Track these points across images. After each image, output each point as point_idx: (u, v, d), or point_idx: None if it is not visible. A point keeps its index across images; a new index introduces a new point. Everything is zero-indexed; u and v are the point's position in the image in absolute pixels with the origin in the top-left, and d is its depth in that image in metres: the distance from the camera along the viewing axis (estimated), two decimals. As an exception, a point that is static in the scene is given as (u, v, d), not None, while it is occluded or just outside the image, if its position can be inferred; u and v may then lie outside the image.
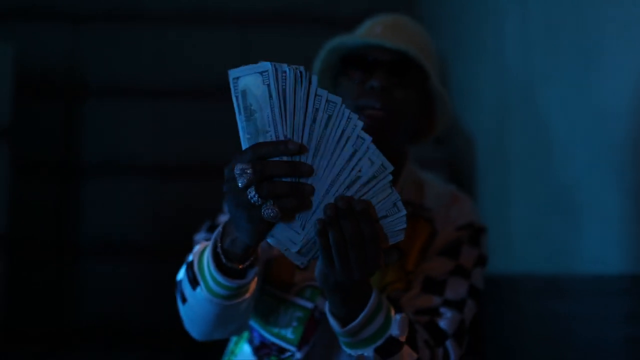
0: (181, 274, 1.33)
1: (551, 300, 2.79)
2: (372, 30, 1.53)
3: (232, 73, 1.08)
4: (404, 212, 1.04)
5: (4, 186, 4.32)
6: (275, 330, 1.37)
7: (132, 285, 5.63)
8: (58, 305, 5.50)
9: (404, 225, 1.05)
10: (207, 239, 1.39)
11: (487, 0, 3.71)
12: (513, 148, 3.25)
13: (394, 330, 1.14)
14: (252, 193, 1.02)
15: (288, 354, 1.34)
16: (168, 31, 6.00)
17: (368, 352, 1.13)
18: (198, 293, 1.22)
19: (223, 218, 1.55)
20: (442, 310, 1.31)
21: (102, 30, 5.94)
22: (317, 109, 1.05)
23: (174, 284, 1.40)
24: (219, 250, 1.16)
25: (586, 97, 2.50)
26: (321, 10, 6.10)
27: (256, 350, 1.42)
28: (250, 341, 1.45)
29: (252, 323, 1.44)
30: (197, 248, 1.28)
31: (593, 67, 2.45)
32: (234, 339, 1.56)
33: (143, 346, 4.99)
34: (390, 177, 1.03)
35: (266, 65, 1.05)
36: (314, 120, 1.04)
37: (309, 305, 1.36)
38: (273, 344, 1.37)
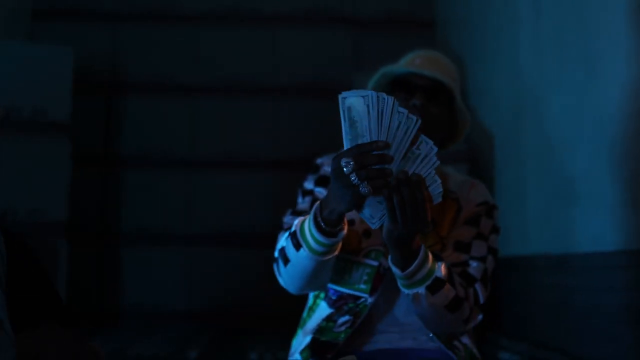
0: (282, 244, 1.82)
1: (560, 275, 3.30)
2: (412, 62, 2.02)
3: (342, 94, 1.57)
4: (439, 181, 1.55)
5: (65, 177, 4.79)
6: (350, 283, 1.86)
7: (168, 271, 6.16)
8: (99, 288, 6.00)
9: (441, 190, 1.55)
10: (293, 219, 1.87)
11: (504, 10, 4.20)
12: (527, 144, 3.76)
13: (438, 273, 1.65)
14: (353, 176, 1.51)
15: (362, 300, 1.84)
16: (202, 31, 6.50)
17: (421, 289, 1.64)
18: (300, 253, 1.71)
19: (303, 205, 2.02)
20: (470, 262, 1.82)
21: (140, 30, 6.45)
22: (398, 121, 1.55)
23: (273, 259, 1.88)
24: (319, 219, 1.66)
25: (589, 101, 3.01)
26: (344, 11, 6.59)
27: (333, 303, 1.90)
28: (327, 298, 1.93)
29: (330, 285, 1.93)
30: (296, 222, 1.77)
31: (595, 75, 2.96)
32: (310, 300, 2.05)
33: (178, 328, 5.33)
34: (437, 160, 1.54)
35: (368, 92, 1.54)
36: (396, 127, 1.54)
37: (375, 263, 1.85)
38: (349, 295, 1.86)
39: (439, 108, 1.94)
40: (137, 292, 5.94)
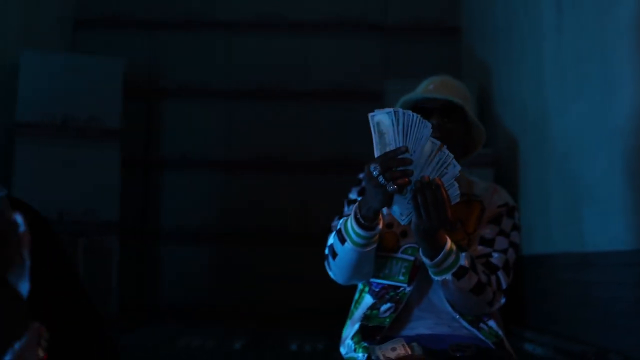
0: (330, 241, 2.16)
1: (580, 272, 3.64)
2: (427, 88, 2.37)
3: (372, 113, 1.91)
4: (457, 185, 1.90)
5: (116, 180, 5.18)
6: (391, 276, 2.21)
7: (205, 268, 6.54)
8: (140, 284, 6.35)
9: (458, 192, 1.91)
10: (340, 220, 2.21)
11: (528, 24, 4.54)
12: (549, 150, 4.09)
13: (462, 262, 2.00)
14: (381, 178, 1.86)
15: (401, 289, 2.17)
16: (237, 38, 6.87)
17: (448, 276, 2.00)
18: (345, 246, 2.05)
19: (348, 212, 2.35)
20: (493, 254, 2.17)
21: (177, 37, 6.84)
22: (418, 131, 1.89)
23: (324, 256, 2.22)
24: (358, 216, 2.01)
25: (607, 114, 3.35)
26: (373, 18, 6.93)
27: (376, 294, 2.23)
28: (370, 291, 2.27)
29: (373, 279, 2.26)
30: (340, 222, 2.10)
31: (613, 88, 3.30)
32: (357, 295, 2.37)
33: (214, 323, 5.61)
34: (456, 166, 1.89)
35: (392, 109, 1.88)
36: (417, 137, 1.88)
37: (411, 258, 2.18)
38: (390, 285, 2.19)
39: (453, 124, 2.26)
40: (176, 288, 6.29)
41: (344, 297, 4.62)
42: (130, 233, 6.11)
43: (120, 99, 5.32)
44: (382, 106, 5.32)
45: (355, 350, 2.07)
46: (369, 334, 2.09)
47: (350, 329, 2.18)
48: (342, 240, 2.03)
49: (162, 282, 6.34)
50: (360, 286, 2.26)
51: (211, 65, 6.79)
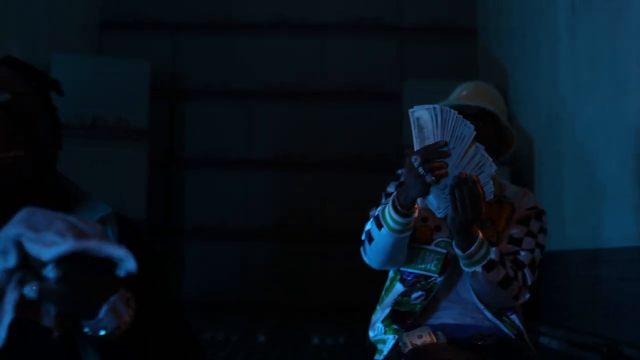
0: (368, 227, 2.31)
1: (592, 268, 3.78)
2: (460, 95, 2.52)
3: (412, 108, 2.06)
4: (492, 182, 2.05)
5: (144, 179, 5.36)
6: (422, 267, 2.34)
7: (227, 265, 6.72)
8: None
9: (492, 189, 2.05)
10: (378, 209, 2.35)
11: (543, 26, 4.68)
12: (563, 149, 4.23)
13: (492, 255, 2.15)
14: (420, 169, 2.02)
15: (432, 279, 2.32)
16: (256, 39, 7.04)
17: (478, 268, 2.14)
18: (382, 231, 2.20)
19: (385, 202, 2.49)
20: (520, 252, 2.32)
21: (199, 39, 7.01)
22: (459, 129, 2.04)
23: (361, 242, 2.37)
24: (396, 203, 2.16)
25: (619, 115, 3.49)
26: (389, 19, 7.08)
27: (407, 282, 2.39)
28: (402, 279, 2.42)
29: (405, 268, 2.41)
30: (378, 210, 2.24)
31: (624, 89, 3.43)
32: (387, 282, 2.53)
33: (238, 318, 5.83)
34: (492, 166, 2.04)
35: (432, 105, 2.03)
36: (455, 133, 2.03)
37: (443, 251, 2.32)
38: (421, 275, 2.34)
39: (486, 130, 2.40)
40: (200, 284, 6.46)
41: (362, 293, 4.79)
42: (155, 231, 6.28)
43: (147, 100, 5.51)
44: (398, 106, 5.54)
45: (385, 333, 2.23)
46: (400, 318, 2.24)
47: (381, 313, 2.32)
48: (379, 226, 2.17)
49: (186, 279, 6.50)
50: (391, 274, 2.40)
51: (232, 66, 6.96)
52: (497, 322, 2.25)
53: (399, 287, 2.35)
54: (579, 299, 4.00)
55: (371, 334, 2.32)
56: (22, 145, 1.17)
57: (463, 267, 2.18)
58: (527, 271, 2.25)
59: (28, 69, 1.24)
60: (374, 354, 2.27)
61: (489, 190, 2.04)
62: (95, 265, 0.97)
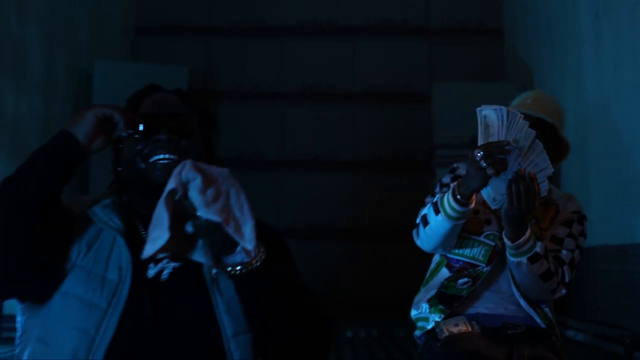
0: (424, 212, 2.46)
1: (619, 262, 3.94)
2: (524, 102, 2.69)
3: (480, 107, 2.23)
4: (547, 181, 2.22)
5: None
6: (471, 255, 2.52)
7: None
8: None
9: (547, 187, 2.23)
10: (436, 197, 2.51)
11: (568, 30, 4.83)
12: (589, 149, 4.39)
13: (538, 249, 2.33)
14: (482, 162, 2.18)
15: (479, 268, 2.50)
16: (288, 42, 7.29)
17: (524, 259, 2.31)
18: (439, 217, 2.37)
19: (439, 192, 2.63)
20: (562, 250, 2.49)
21: (231, 42, 7.26)
22: (523, 132, 2.21)
23: (415, 224, 2.49)
24: (456, 192, 2.31)
25: (642, 116, 3.64)
26: (419, 22, 7.27)
27: (454, 269, 2.53)
28: (449, 266, 2.58)
29: (454, 256, 2.57)
30: (437, 197, 2.40)
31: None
32: (433, 265, 2.69)
33: None
34: (550, 167, 2.21)
35: (500, 107, 2.21)
36: (518, 134, 2.20)
37: (492, 243, 2.48)
38: (469, 263, 2.52)
39: (544, 139, 2.45)
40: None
41: (392, 289, 4.95)
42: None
43: (187, 104, 5.70)
44: (426, 107, 5.74)
45: (430, 312, 2.42)
46: (446, 300, 2.43)
47: (425, 294, 2.51)
48: (437, 212, 2.35)
49: None
50: (437, 259, 2.59)
51: (264, 69, 7.20)
52: (532, 311, 2.43)
53: (445, 272, 2.53)
54: (604, 293, 4.16)
55: (413, 312, 2.51)
56: (178, 152, 1.51)
57: (509, 257, 2.35)
58: (566, 269, 2.43)
59: (189, 96, 1.70)
60: (412, 332, 2.48)
61: (544, 188, 2.22)
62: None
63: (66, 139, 1.48)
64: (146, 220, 1.41)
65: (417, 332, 2.49)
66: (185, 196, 1.35)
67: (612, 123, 4.07)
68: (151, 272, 1.46)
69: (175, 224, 1.34)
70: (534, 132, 2.21)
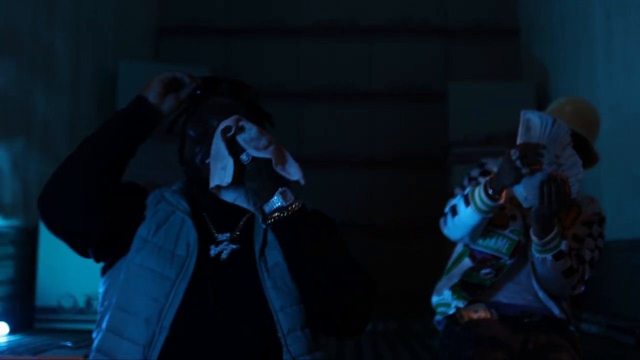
0: (454, 202, 2.55)
1: (630, 256, 4.05)
2: (564, 109, 2.72)
3: (524, 111, 2.35)
4: (577, 184, 2.32)
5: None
6: (495, 247, 2.62)
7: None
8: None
9: (577, 190, 2.32)
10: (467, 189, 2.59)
11: (580, 30, 4.95)
12: (601, 148, 4.49)
13: (562, 247, 2.44)
14: (518, 162, 2.28)
15: (502, 261, 2.61)
16: (305, 43, 7.43)
17: (549, 256, 2.43)
18: (468, 209, 2.47)
19: (467, 184, 2.69)
20: (583, 249, 2.58)
21: (250, 43, 7.41)
22: (562, 139, 2.32)
23: (443, 214, 2.61)
24: (488, 187, 2.41)
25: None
26: (435, 22, 7.40)
27: (477, 260, 2.64)
28: (472, 256, 2.68)
29: (478, 247, 2.65)
30: (467, 190, 2.51)
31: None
32: (455, 255, 2.79)
33: None
34: (581, 172, 2.32)
35: (546, 115, 2.33)
36: (557, 141, 2.32)
37: (517, 238, 2.58)
38: (492, 255, 2.63)
39: (575, 149, 2.50)
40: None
41: (407, 283, 5.04)
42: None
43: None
44: (443, 106, 5.86)
45: (453, 299, 2.56)
46: (469, 288, 2.56)
47: (448, 282, 2.64)
48: (467, 203, 2.47)
49: None
50: (460, 249, 2.71)
51: (282, 69, 7.35)
52: (550, 302, 2.56)
53: (467, 262, 2.65)
54: (617, 286, 4.27)
55: (435, 298, 2.64)
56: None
57: (535, 254, 2.46)
58: (586, 267, 2.55)
59: (250, 103, 1.90)
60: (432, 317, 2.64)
61: (574, 190, 2.32)
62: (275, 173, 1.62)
63: (138, 100, 1.72)
64: (207, 208, 1.71)
65: (438, 317, 2.63)
66: (236, 134, 1.58)
67: (623, 122, 4.18)
68: (212, 252, 1.64)
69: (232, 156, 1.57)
70: (569, 139, 2.31)
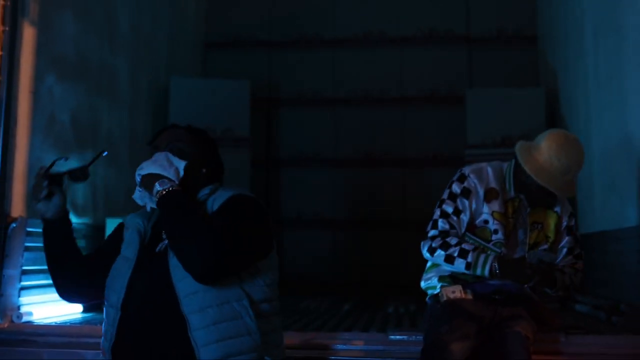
0: (451, 241, 2.83)
1: (613, 244, 4.58)
2: (551, 163, 2.78)
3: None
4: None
5: (247, 177, 6.43)
6: (476, 266, 2.79)
7: (320, 249, 7.77)
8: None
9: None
10: (444, 223, 2.89)
11: (577, 40, 5.51)
12: (592, 148, 5.05)
13: (567, 282, 2.85)
14: (532, 282, 2.72)
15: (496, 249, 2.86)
16: (341, 53, 8.08)
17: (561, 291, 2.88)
18: (462, 263, 2.79)
19: (448, 209, 2.93)
20: (578, 262, 2.93)
21: (290, 54, 8.12)
22: None
23: (431, 237, 2.85)
24: (494, 271, 2.75)
25: (633, 118, 4.28)
26: (460, 31, 7.98)
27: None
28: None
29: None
30: (471, 257, 2.80)
31: (625, 104, 4.25)
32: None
33: (328, 293, 6.31)
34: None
35: None
36: None
37: (499, 250, 2.82)
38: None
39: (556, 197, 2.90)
40: (297, 266, 7.43)
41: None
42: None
43: (248, 112, 6.66)
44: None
45: (438, 282, 2.93)
46: (456, 281, 2.91)
47: (437, 273, 2.96)
48: (468, 267, 2.82)
49: (286, 261, 7.12)
50: None
51: (320, 77, 8.03)
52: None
53: (461, 267, 2.92)
54: (602, 271, 4.78)
55: (423, 283, 3.02)
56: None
57: (548, 292, 2.87)
58: (579, 275, 2.97)
59: (192, 129, 2.39)
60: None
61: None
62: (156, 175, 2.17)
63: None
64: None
65: (428, 298, 3.02)
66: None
67: (607, 125, 4.74)
68: (157, 248, 2.20)
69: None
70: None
